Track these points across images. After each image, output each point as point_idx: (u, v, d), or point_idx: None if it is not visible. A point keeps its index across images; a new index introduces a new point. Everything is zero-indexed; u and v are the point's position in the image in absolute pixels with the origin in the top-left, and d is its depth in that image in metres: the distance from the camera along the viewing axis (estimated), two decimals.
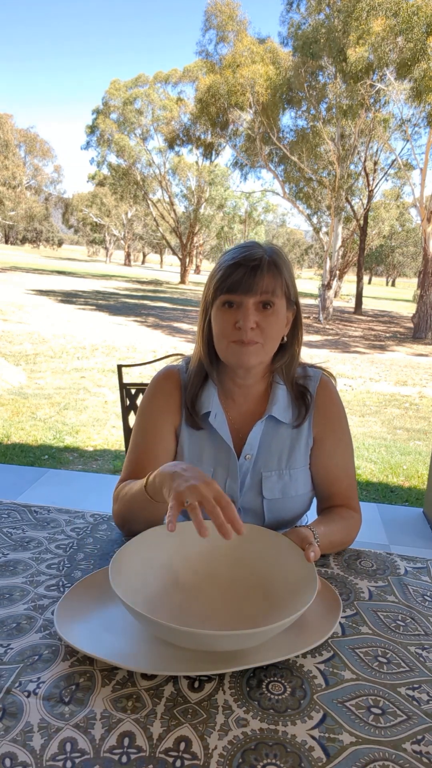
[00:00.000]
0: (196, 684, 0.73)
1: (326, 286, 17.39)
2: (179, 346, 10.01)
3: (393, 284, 65.78)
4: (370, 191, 23.02)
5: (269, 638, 0.77)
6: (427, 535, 3.02)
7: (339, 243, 19.04)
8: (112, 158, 31.31)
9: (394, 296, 42.21)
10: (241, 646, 0.75)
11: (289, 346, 1.15)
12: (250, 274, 1.02)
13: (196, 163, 32.52)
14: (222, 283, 1.04)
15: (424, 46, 12.99)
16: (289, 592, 0.85)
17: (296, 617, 0.75)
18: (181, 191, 34.48)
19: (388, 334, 15.35)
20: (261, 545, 0.94)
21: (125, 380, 2.03)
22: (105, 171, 33.85)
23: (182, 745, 0.63)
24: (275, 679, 0.75)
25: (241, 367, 1.10)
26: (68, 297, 17.35)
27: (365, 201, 23.36)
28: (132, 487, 1.05)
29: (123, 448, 3.34)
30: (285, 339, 1.13)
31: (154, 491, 0.95)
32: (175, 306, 18.42)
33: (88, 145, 31.11)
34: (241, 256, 1.04)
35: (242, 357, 1.06)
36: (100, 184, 39.20)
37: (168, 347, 9.57)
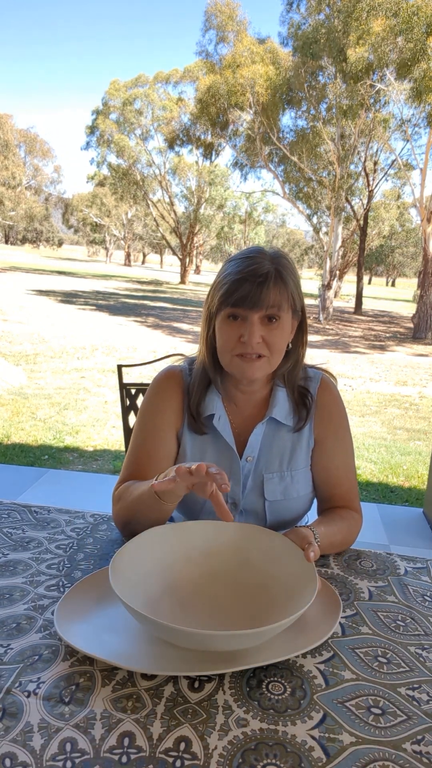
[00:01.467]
0: (196, 684, 0.73)
1: (326, 286, 17.40)
2: (179, 346, 10.01)
3: (393, 284, 65.77)
4: (370, 191, 23.02)
5: (269, 638, 0.77)
6: (427, 535, 3.02)
7: (339, 243, 19.04)
8: (112, 158, 31.33)
9: (394, 296, 42.21)
10: (241, 646, 0.75)
11: (293, 351, 1.14)
12: (257, 289, 1.01)
13: (196, 163, 32.52)
14: (227, 297, 1.03)
15: (424, 46, 12.99)
16: (289, 592, 0.85)
17: (296, 617, 0.75)
18: (181, 191, 34.49)
19: (388, 334, 15.36)
20: (261, 545, 0.94)
21: (125, 380, 2.03)
22: (105, 171, 33.84)
23: (182, 745, 0.63)
24: (275, 679, 0.75)
25: (245, 380, 1.10)
26: (68, 297, 17.35)
27: (365, 201, 23.36)
28: (137, 488, 1.04)
29: (123, 448, 3.34)
30: (289, 345, 1.13)
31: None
32: (175, 306, 18.42)
33: (88, 145, 31.12)
34: (247, 270, 1.02)
35: (247, 372, 1.06)
36: (100, 184, 39.18)
37: (168, 347, 9.57)
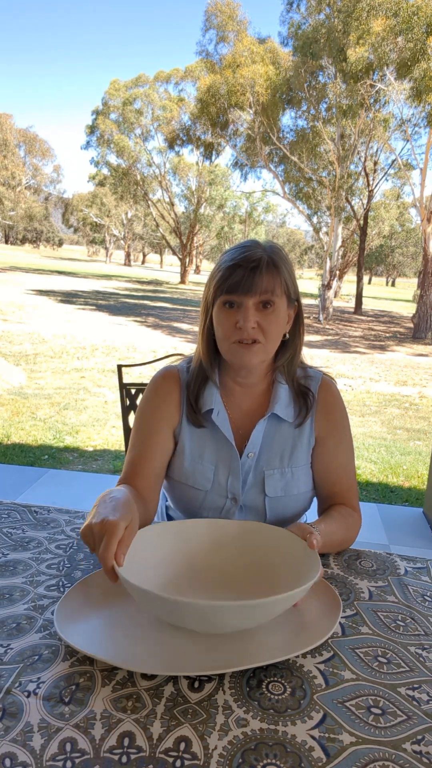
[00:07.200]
0: (196, 684, 0.73)
1: (326, 286, 17.39)
2: (179, 346, 10.01)
3: (393, 284, 65.74)
4: (370, 191, 23.01)
5: (273, 617, 0.77)
6: (427, 535, 3.02)
7: (339, 243, 19.04)
8: (112, 158, 31.33)
9: (394, 296, 42.21)
10: (246, 624, 0.75)
11: (290, 342, 1.16)
12: (250, 274, 1.03)
13: (197, 163, 32.50)
14: (222, 284, 1.06)
15: (424, 46, 12.99)
16: (292, 579, 0.85)
17: (302, 592, 0.75)
18: (182, 191, 34.47)
19: (388, 334, 15.35)
20: (263, 538, 0.95)
21: (125, 380, 2.03)
22: (105, 171, 33.83)
23: (182, 745, 0.63)
24: (275, 679, 0.75)
25: (243, 368, 1.11)
26: (68, 297, 17.35)
27: (365, 201, 23.36)
28: None
29: (123, 448, 3.34)
30: (287, 336, 1.15)
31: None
32: (175, 306, 18.41)
33: (88, 145, 31.11)
34: (240, 257, 1.05)
35: (244, 357, 1.07)
36: (100, 184, 39.11)
37: (168, 347, 9.57)
